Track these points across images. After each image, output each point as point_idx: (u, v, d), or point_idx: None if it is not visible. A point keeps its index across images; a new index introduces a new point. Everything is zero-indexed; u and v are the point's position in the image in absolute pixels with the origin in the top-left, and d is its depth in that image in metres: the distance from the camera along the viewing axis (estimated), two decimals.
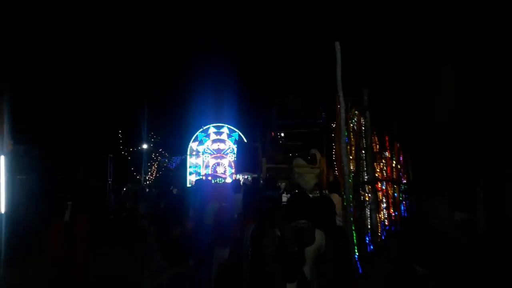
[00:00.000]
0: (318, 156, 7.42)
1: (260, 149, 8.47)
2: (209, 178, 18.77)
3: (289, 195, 7.92)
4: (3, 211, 9.02)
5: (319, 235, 3.22)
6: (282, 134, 9.80)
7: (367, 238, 6.95)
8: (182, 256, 3.63)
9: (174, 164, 26.78)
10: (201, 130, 21.56)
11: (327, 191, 7.04)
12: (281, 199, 6.48)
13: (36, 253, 9.99)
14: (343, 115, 5.55)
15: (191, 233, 3.86)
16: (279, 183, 8.99)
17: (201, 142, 21.43)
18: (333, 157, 9.81)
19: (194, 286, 3.84)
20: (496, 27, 12.21)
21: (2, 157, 9.21)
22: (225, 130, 21.70)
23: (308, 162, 7.45)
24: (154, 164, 26.65)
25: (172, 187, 10.40)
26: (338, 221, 5.86)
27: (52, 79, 17.51)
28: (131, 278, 7.04)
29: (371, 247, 6.87)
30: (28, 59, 16.38)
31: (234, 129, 21.43)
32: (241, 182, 7.72)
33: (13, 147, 12.21)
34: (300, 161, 7.60)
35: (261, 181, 8.10)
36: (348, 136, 6.35)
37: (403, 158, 12.72)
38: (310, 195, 5.24)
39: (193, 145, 21.53)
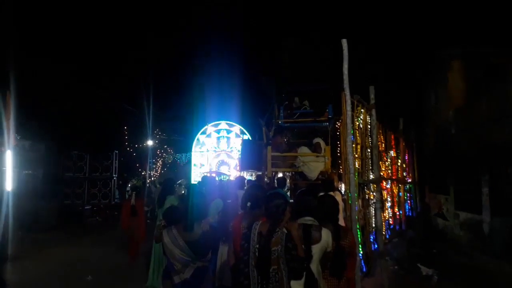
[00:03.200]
0: (323, 144, 7.35)
1: (265, 138, 8.45)
2: (213, 175, 18.79)
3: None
4: (10, 206, 9.10)
5: (325, 233, 3.20)
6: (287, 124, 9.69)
7: (372, 237, 6.93)
8: (204, 252, 3.80)
9: (178, 161, 26.83)
10: (204, 129, 21.57)
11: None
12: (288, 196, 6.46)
13: (41, 247, 10.07)
14: (349, 113, 5.52)
15: (211, 230, 4.06)
16: (285, 177, 8.96)
17: (207, 137, 21.47)
18: (338, 155, 9.80)
19: (211, 278, 4.09)
20: (501, 26, 12.15)
21: (9, 152, 9.29)
22: (229, 127, 21.70)
23: (312, 151, 7.39)
24: (159, 161, 26.71)
25: (177, 184, 10.37)
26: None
27: (58, 75, 17.56)
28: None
29: (376, 246, 6.84)
30: (34, 54, 16.46)
31: (240, 126, 21.42)
32: (246, 181, 7.68)
33: (19, 143, 12.28)
34: (305, 149, 7.54)
35: (266, 179, 8.09)
36: (354, 134, 6.32)
37: (408, 157, 12.69)
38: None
39: (196, 145, 21.56)
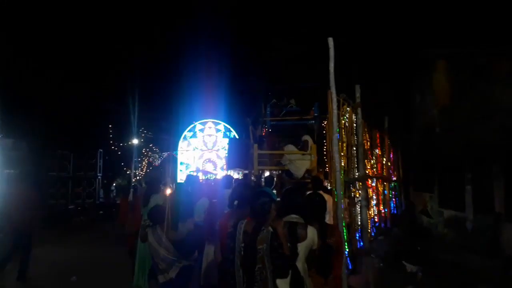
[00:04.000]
0: (310, 142, 7.37)
1: (252, 137, 8.43)
2: (199, 174, 18.70)
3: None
4: None
5: (311, 231, 3.20)
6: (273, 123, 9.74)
7: (358, 234, 6.97)
8: (190, 251, 3.79)
9: (163, 160, 26.62)
10: (190, 127, 21.44)
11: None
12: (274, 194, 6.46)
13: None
14: (335, 112, 5.53)
15: (196, 229, 4.05)
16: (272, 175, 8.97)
17: (193, 135, 21.31)
18: (323, 153, 9.84)
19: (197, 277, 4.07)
20: (487, 25, 12.33)
21: None
22: (214, 125, 21.61)
23: (299, 149, 7.41)
24: (144, 160, 26.49)
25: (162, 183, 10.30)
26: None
27: (42, 73, 17.30)
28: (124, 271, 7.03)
29: (361, 243, 6.89)
30: (17, 52, 16.18)
31: (226, 124, 21.36)
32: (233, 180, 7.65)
33: (2, 141, 12.05)
34: (291, 147, 7.56)
35: (253, 178, 8.07)
36: (340, 132, 6.34)
37: (393, 156, 12.81)
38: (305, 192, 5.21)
39: (182, 143, 21.41)
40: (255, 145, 7.38)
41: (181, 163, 21.62)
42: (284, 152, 7.54)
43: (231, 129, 20.99)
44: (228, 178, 7.26)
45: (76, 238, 11.49)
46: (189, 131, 21.59)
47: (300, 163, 7.25)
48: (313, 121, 8.48)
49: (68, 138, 17.84)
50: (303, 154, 7.29)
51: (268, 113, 8.83)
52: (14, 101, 15.03)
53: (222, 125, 21.52)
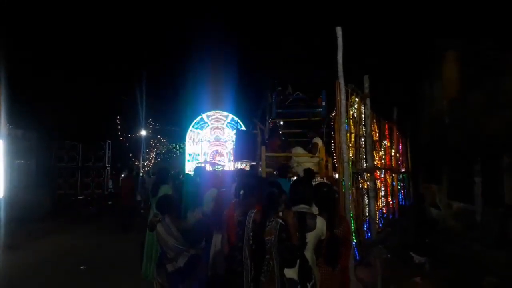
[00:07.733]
0: (320, 144, 7.32)
1: (260, 137, 8.39)
2: (207, 165, 18.76)
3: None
4: (1, 195, 9.03)
5: (320, 221, 3.20)
6: (282, 122, 9.70)
7: (365, 226, 6.96)
8: (198, 240, 3.82)
9: (171, 151, 26.71)
10: (200, 117, 21.47)
11: None
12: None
13: (34, 237, 10.03)
14: (343, 102, 5.50)
15: (204, 218, 4.08)
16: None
17: (200, 128, 21.36)
18: (332, 145, 9.80)
19: (205, 266, 4.14)
20: (495, 16, 12.13)
21: (1, 141, 9.19)
22: (224, 117, 21.62)
23: (308, 151, 7.35)
24: (152, 151, 26.60)
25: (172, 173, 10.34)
26: None
27: (51, 64, 17.38)
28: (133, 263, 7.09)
29: (369, 234, 6.88)
30: (26, 42, 16.25)
31: (233, 116, 21.36)
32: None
33: (11, 132, 12.15)
34: (299, 149, 7.51)
35: (260, 170, 8.05)
36: (348, 123, 6.31)
37: (402, 147, 12.73)
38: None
39: (192, 131, 21.46)
40: (263, 148, 7.27)
41: (189, 154, 21.73)
42: (292, 154, 7.49)
43: (239, 120, 21.00)
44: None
45: (85, 228, 11.59)
46: (197, 122, 21.65)
47: (308, 165, 7.20)
48: (320, 109, 8.38)
49: (77, 129, 17.94)
50: (311, 157, 7.23)
51: (274, 101, 8.70)
52: (24, 92, 15.12)
53: (229, 117, 21.54)
